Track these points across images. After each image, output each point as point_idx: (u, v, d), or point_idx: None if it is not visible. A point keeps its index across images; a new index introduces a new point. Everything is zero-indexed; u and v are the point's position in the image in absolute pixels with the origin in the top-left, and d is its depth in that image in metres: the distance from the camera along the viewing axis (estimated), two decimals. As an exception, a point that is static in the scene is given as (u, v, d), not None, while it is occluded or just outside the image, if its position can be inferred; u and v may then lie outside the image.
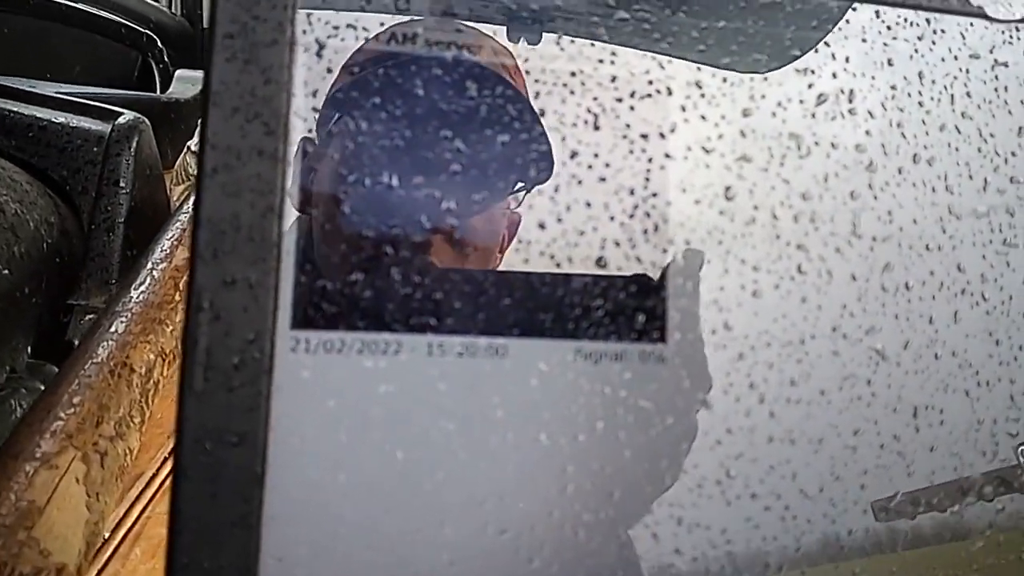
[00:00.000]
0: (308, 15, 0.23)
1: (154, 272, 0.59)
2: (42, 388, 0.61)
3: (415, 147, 0.24)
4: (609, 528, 0.23)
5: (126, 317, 0.51)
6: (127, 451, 0.39)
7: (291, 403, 0.22)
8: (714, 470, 0.25)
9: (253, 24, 0.23)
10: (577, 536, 0.23)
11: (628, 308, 0.24)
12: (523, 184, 0.26)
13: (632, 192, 0.25)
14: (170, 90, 1.44)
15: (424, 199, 0.24)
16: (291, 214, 0.23)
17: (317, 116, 0.24)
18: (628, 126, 0.25)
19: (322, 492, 0.22)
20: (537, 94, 0.25)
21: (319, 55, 0.24)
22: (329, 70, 0.24)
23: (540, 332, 0.24)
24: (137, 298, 0.55)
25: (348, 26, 0.24)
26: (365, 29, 0.24)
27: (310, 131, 0.24)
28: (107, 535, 0.44)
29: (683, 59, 0.25)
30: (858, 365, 0.26)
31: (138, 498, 0.54)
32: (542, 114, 0.25)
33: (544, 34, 0.26)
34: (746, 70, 0.25)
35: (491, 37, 0.26)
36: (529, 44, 0.26)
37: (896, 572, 0.27)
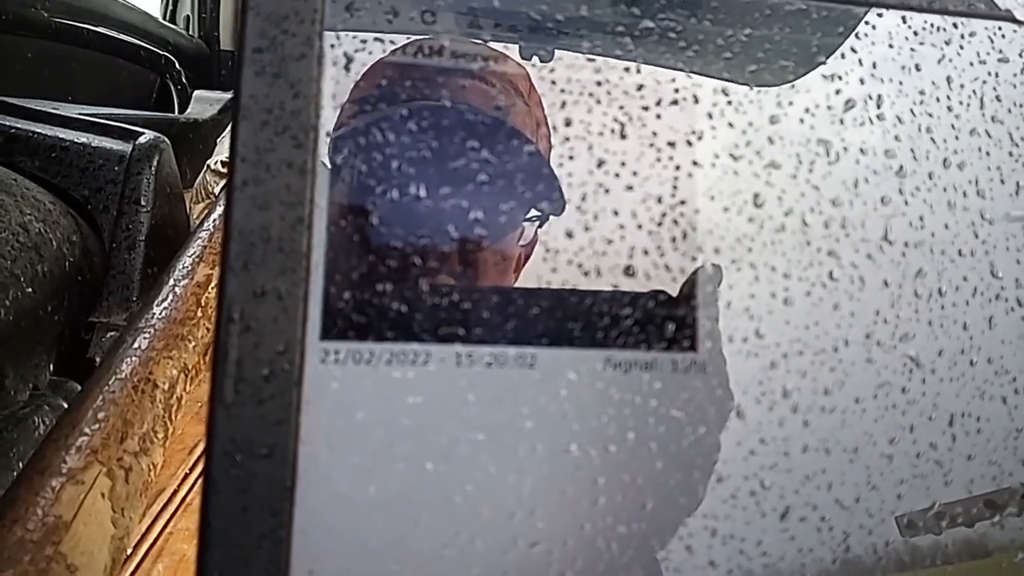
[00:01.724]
0: (336, 28, 0.24)
1: (176, 289, 0.59)
2: (64, 405, 0.62)
3: (421, 187, 0.24)
4: (642, 541, 0.23)
5: (149, 333, 0.51)
6: (151, 466, 0.40)
7: (320, 415, 0.22)
8: (748, 481, 0.24)
9: (282, 39, 0.24)
10: (610, 549, 0.23)
11: (657, 317, 0.24)
12: (537, 215, 0.26)
13: (660, 200, 0.24)
14: (188, 111, 1.46)
15: (435, 219, 0.24)
16: (321, 226, 0.23)
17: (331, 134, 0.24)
18: (655, 134, 0.25)
19: (352, 505, 0.22)
20: (563, 103, 0.25)
21: (347, 68, 0.24)
22: (357, 84, 0.24)
23: (569, 341, 0.23)
24: (160, 314, 0.55)
25: (375, 39, 0.24)
26: (392, 42, 0.24)
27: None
28: (130, 551, 0.44)
29: (709, 67, 0.25)
30: (892, 373, 0.25)
31: (160, 514, 0.55)
32: (568, 124, 0.25)
33: (557, 51, 0.26)
34: (773, 78, 0.25)
35: (505, 54, 0.26)
36: (542, 62, 0.26)
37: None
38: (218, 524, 0.21)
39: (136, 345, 0.49)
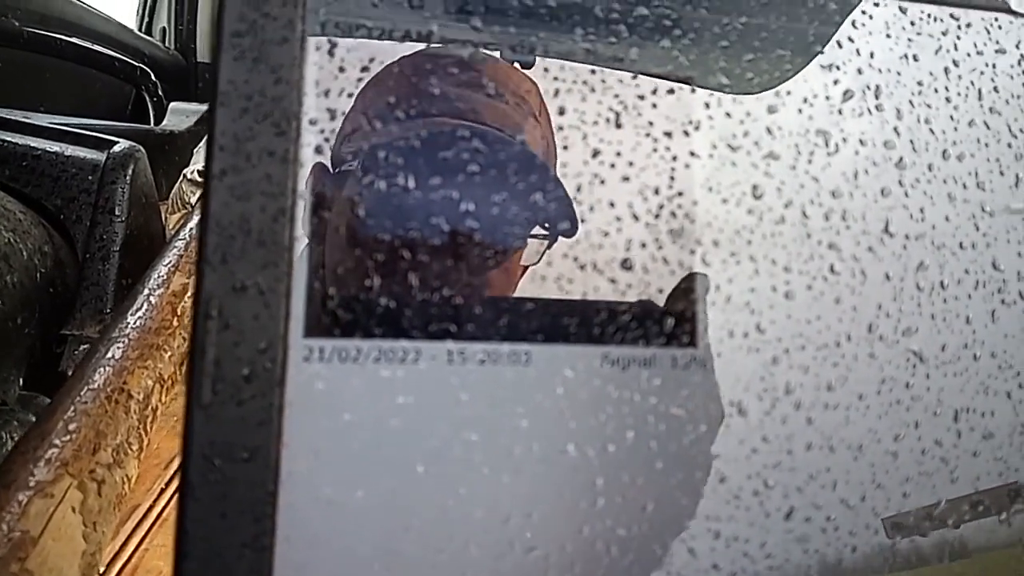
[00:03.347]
0: (319, 12, 0.23)
1: (151, 298, 0.57)
2: (34, 420, 0.60)
3: (429, 201, 0.23)
4: (643, 544, 0.22)
5: (123, 343, 0.49)
6: (125, 479, 0.38)
7: (304, 416, 0.20)
8: (751, 480, 0.23)
9: (263, 22, 0.23)
10: (609, 553, 0.22)
11: (656, 311, 0.23)
12: (545, 233, 0.25)
13: (657, 191, 0.24)
14: (164, 122, 1.44)
15: (428, 214, 0.23)
16: (304, 217, 0.22)
17: (332, 136, 0.23)
18: (651, 124, 0.24)
19: (338, 510, 0.21)
20: (556, 92, 0.24)
21: (331, 53, 0.23)
22: (341, 68, 0.23)
23: (565, 338, 0.23)
24: (134, 324, 0.53)
25: (360, 25, 0.23)
26: (378, 27, 0.23)
27: (319, 147, 0.23)
28: (103, 569, 0.42)
29: (706, 55, 0.24)
30: (896, 368, 0.25)
31: (135, 530, 0.52)
32: (561, 113, 0.24)
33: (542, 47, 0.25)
34: (770, 67, 0.25)
35: (515, 68, 0.25)
36: (523, 68, 0.25)
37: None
38: (196, 532, 0.20)
39: (110, 355, 0.47)
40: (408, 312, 0.22)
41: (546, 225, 0.24)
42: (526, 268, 0.26)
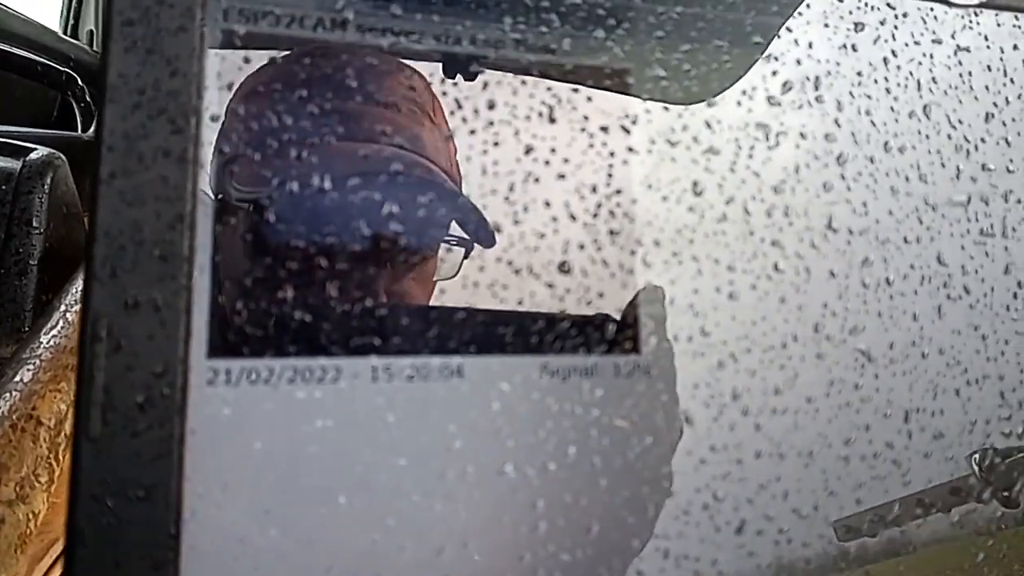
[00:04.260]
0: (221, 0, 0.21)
1: (68, 315, 0.54)
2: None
3: (337, 206, 0.22)
4: (589, 570, 0.20)
5: (34, 365, 0.46)
6: (31, 516, 0.35)
7: (209, 446, 0.18)
8: (700, 494, 0.22)
9: (157, 9, 0.20)
10: (553, 580, 0.20)
11: (596, 317, 0.22)
12: (456, 241, 0.24)
13: (594, 189, 0.22)
14: (92, 129, 1.37)
15: (341, 215, 0.21)
16: (205, 224, 0.19)
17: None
18: (586, 118, 0.23)
19: (251, 552, 0.19)
20: (485, 84, 0.22)
21: (234, 43, 0.21)
22: (246, 60, 0.21)
23: (500, 348, 0.21)
24: (48, 343, 0.49)
25: (267, 12, 0.21)
26: (288, 15, 0.21)
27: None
28: (11, 614, 0.39)
29: (641, 46, 0.23)
30: (844, 368, 0.24)
31: (53, 566, 0.49)
32: (491, 107, 0.22)
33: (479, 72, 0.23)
34: (707, 58, 0.24)
35: (403, 64, 0.24)
36: (466, 80, 0.23)
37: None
38: (84, 585, 0.17)
39: (17, 378, 0.43)
40: (325, 326, 0.20)
41: (462, 235, 0.23)
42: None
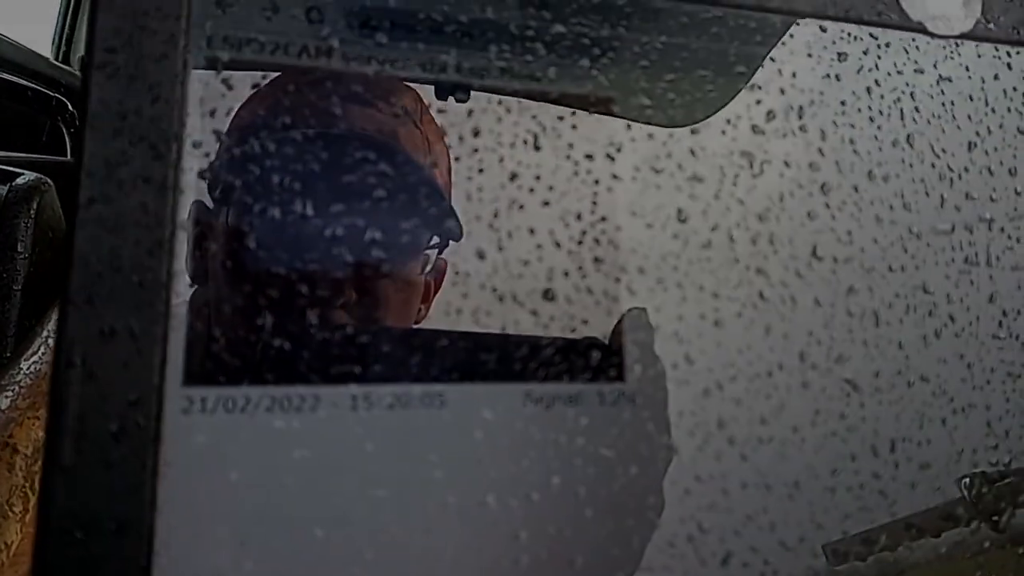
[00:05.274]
0: (205, 25, 0.20)
1: (49, 341, 0.53)
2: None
3: (314, 213, 0.22)
4: (573, 603, 0.20)
5: (12, 391, 0.45)
6: (2, 547, 0.34)
7: (184, 477, 0.18)
8: (685, 524, 0.22)
9: (140, 36, 0.20)
10: (536, 615, 0.20)
11: (580, 345, 0.21)
12: (436, 242, 0.24)
13: (579, 217, 0.22)
14: (80, 154, 1.37)
15: (321, 243, 0.21)
16: (183, 251, 0.19)
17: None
18: (571, 146, 0.23)
19: (225, 585, 0.18)
20: (470, 112, 0.22)
21: (216, 70, 0.21)
22: (230, 87, 0.21)
23: (483, 376, 0.21)
24: (28, 370, 0.49)
25: (251, 39, 0.21)
26: (272, 42, 0.21)
27: (203, 172, 0.21)
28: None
29: (626, 75, 0.23)
30: (829, 398, 0.24)
31: (26, 600, 0.47)
32: (476, 134, 0.22)
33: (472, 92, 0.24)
34: (692, 87, 0.24)
35: (392, 76, 0.24)
36: (458, 103, 0.23)
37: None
38: (50, 623, 0.17)
39: (-5, 405, 0.42)
40: (304, 353, 0.19)
41: (431, 229, 0.23)
42: (437, 288, 0.24)
